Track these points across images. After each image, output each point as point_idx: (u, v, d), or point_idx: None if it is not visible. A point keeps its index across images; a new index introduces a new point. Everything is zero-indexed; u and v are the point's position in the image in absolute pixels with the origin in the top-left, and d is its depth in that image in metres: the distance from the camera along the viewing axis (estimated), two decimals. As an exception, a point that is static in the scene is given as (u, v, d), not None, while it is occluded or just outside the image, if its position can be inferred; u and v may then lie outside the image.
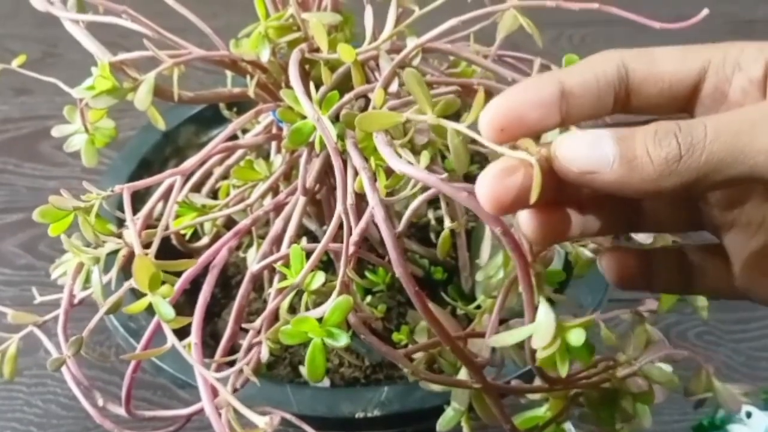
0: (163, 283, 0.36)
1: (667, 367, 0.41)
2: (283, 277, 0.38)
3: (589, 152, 0.28)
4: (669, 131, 0.27)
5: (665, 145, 0.27)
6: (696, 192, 0.29)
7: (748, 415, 0.62)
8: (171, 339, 0.33)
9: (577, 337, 0.29)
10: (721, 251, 0.34)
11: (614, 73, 0.30)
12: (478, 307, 0.50)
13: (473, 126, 0.30)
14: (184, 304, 0.51)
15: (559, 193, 0.30)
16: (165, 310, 0.33)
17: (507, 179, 0.28)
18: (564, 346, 0.29)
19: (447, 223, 0.50)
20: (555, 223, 0.31)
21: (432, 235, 0.61)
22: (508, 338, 0.30)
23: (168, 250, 0.52)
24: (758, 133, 0.27)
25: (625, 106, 0.31)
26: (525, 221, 0.31)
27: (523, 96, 0.29)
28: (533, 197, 0.27)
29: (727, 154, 0.27)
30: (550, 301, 0.30)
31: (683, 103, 0.31)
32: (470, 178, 0.30)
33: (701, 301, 0.43)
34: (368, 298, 0.56)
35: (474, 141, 0.30)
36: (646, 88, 0.30)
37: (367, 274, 0.56)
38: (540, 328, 0.29)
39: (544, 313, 0.29)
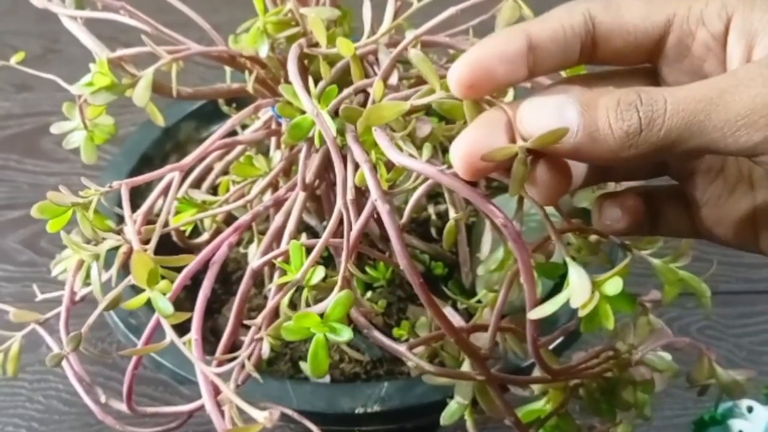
0: (163, 278, 0.36)
1: (667, 355, 0.42)
2: (283, 273, 0.38)
3: (553, 122, 0.28)
4: (631, 103, 0.27)
5: (627, 118, 0.27)
6: (654, 160, 0.29)
7: (750, 409, 0.62)
8: (170, 335, 0.33)
9: (614, 286, 0.29)
10: (680, 194, 0.35)
11: (581, 24, 0.30)
12: (479, 302, 0.50)
13: None
14: (185, 300, 0.51)
15: None
16: (163, 305, 0.33)
17: (481, 145, 0.28)
18: (604, 299, 0.29)
19: (452, 214, 0.50)
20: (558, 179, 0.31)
21: (433, 231, 0.61)
22: (548, 308, 0.30)
23: (169, 247, 0.52)
24: (713, 111, 0.27)
25: (591, 57, 0.31)
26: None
27: (490, 50, 0.30)
28: (513, 191, 0.28)
29: (685, 130, 0.27)
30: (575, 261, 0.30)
31: (648, 54, 0.32)
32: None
33: (705, 292, 0.43)
34: (368, 294, 0.56)
35: None
36: (612, 40, 0.31)
37: (367, 269, 0.56)
38: (575, 287, 0.29)
39: (576, 272, 0.29)
